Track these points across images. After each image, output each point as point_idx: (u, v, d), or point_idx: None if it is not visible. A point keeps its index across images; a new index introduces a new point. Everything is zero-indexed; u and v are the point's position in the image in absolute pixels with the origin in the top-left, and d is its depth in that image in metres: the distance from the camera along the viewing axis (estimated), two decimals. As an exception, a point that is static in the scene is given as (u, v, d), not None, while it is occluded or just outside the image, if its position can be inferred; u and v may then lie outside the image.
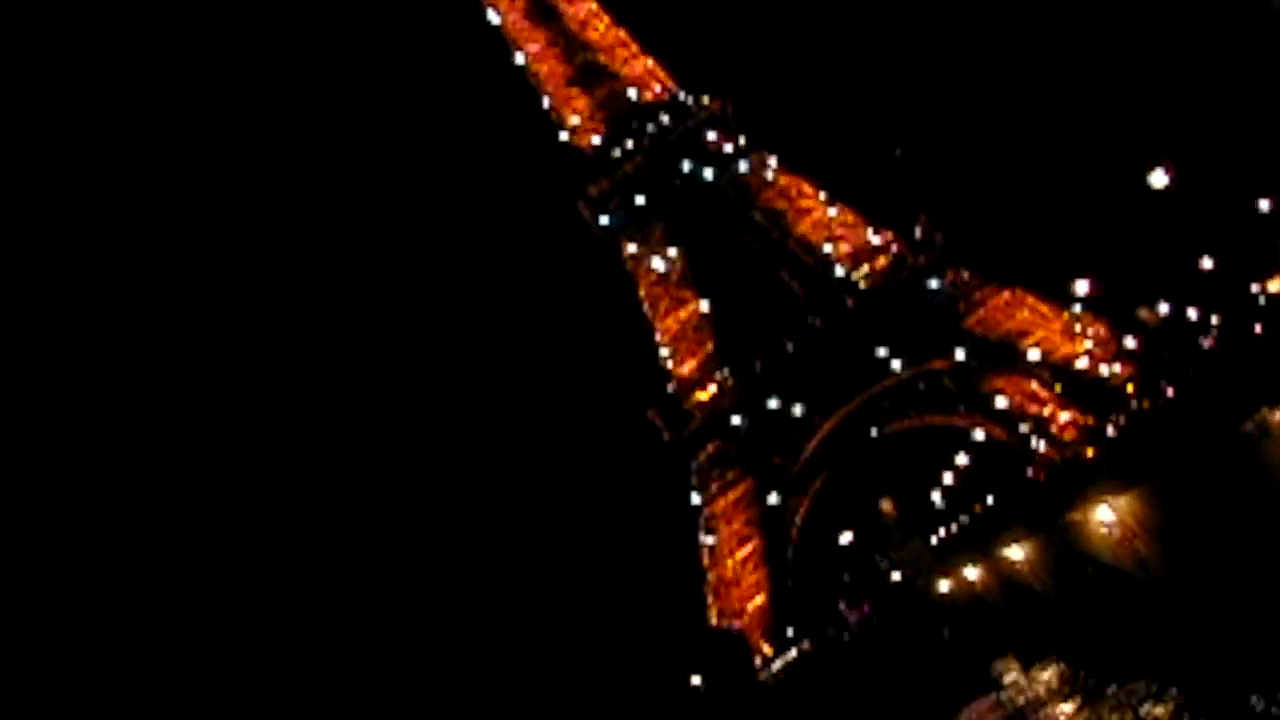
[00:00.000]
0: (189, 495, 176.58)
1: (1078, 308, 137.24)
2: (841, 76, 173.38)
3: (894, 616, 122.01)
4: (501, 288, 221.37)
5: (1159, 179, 71.02)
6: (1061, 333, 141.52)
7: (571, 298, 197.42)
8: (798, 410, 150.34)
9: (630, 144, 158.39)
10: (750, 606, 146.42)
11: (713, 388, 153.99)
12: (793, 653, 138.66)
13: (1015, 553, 79.52)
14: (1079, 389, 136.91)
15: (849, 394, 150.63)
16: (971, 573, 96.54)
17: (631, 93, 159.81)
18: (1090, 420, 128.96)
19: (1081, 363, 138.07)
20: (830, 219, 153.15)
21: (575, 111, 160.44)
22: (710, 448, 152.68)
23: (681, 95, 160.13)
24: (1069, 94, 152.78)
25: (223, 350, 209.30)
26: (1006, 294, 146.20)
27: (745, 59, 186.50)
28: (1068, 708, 58.50)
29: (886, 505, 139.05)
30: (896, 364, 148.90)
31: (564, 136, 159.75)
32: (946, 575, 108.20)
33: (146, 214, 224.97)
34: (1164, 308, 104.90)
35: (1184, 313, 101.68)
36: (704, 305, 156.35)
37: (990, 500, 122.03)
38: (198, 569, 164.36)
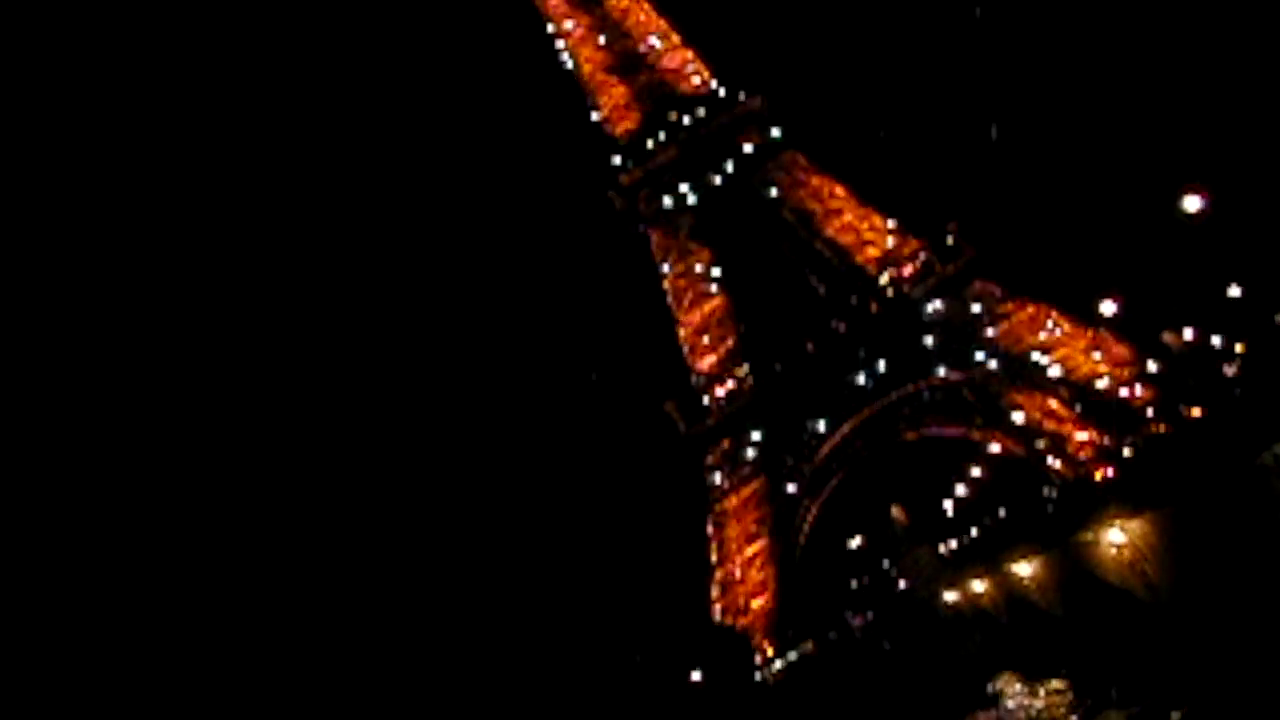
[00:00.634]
0: (189, 495, 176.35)
1: (1103, 328, 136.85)
2: (882, 83, 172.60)
3: (896, 624, 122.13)
4: (527, 272, 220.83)
5: (1192, 203, 70.61)
6: (1084, 351, 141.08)
7: (597, 285, 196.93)
8: (815, 412, 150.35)
9: (664, 135, 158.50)
10: (755, 605, 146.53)
11: (731, 384, 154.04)
12: (793, 654, 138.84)
13: (1024, 569, 79.62)
14: (1098, 409, 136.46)
15: (867, 399, 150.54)
16: (978, 586, 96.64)
17: (669, 84, 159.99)
18: (1107, 441, 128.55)
19: (1102, 383, 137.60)
20: (860, 223, 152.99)
21: (611, 99, 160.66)
22: (725, 444, 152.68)
23: (720, 90, 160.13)
24: (1107, 116, 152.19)
25: (223, 338, 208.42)
26: (1031, 309, 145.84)
27: (786, 58, 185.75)
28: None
29: (897, 512, 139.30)
30: (916, 372, 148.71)
31: (595, 118, 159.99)
32: (953, 586, 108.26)
33: (147, 214, 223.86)
34: (1189, 333, 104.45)
35: (1209, 339, 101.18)
36: (727, 301, 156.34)
37: (1002, 514, 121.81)
38: (198, 569, 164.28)
